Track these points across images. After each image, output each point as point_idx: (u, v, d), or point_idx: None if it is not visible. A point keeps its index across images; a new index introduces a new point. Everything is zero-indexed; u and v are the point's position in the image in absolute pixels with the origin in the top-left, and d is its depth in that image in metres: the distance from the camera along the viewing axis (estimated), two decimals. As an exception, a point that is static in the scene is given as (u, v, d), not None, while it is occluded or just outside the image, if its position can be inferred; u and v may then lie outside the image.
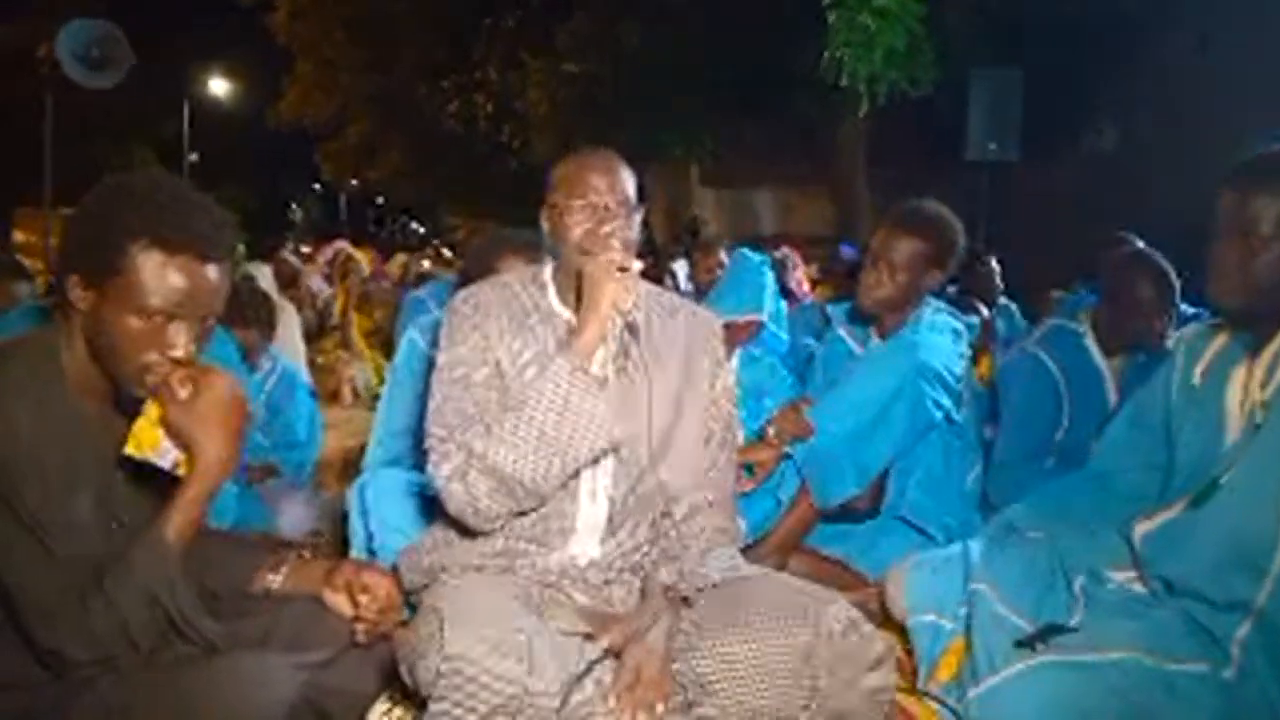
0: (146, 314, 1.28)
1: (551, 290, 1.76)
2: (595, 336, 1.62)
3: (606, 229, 1.65)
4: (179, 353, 1.31)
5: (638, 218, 1.72)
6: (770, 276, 3.09)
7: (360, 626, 1.50)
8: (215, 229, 1.33)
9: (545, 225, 1.74)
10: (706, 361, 1.78)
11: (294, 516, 2.85)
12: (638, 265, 1.64)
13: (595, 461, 1.64)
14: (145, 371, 1.31)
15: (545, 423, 1.56)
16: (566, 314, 1.73)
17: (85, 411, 1.36)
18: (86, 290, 1.29)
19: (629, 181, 1.72)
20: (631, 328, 1.68)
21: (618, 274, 1.59)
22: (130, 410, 1.38)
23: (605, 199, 1.67)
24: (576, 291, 1.67)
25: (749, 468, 2.39)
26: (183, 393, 1.32)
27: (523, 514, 1.64)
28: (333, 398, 5.60)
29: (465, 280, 2.70)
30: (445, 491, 1.62)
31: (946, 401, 2.47)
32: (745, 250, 3.34)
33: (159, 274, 1.27)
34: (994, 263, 4.62)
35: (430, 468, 1.65)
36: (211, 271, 1.32)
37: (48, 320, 2.00)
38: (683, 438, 1.71)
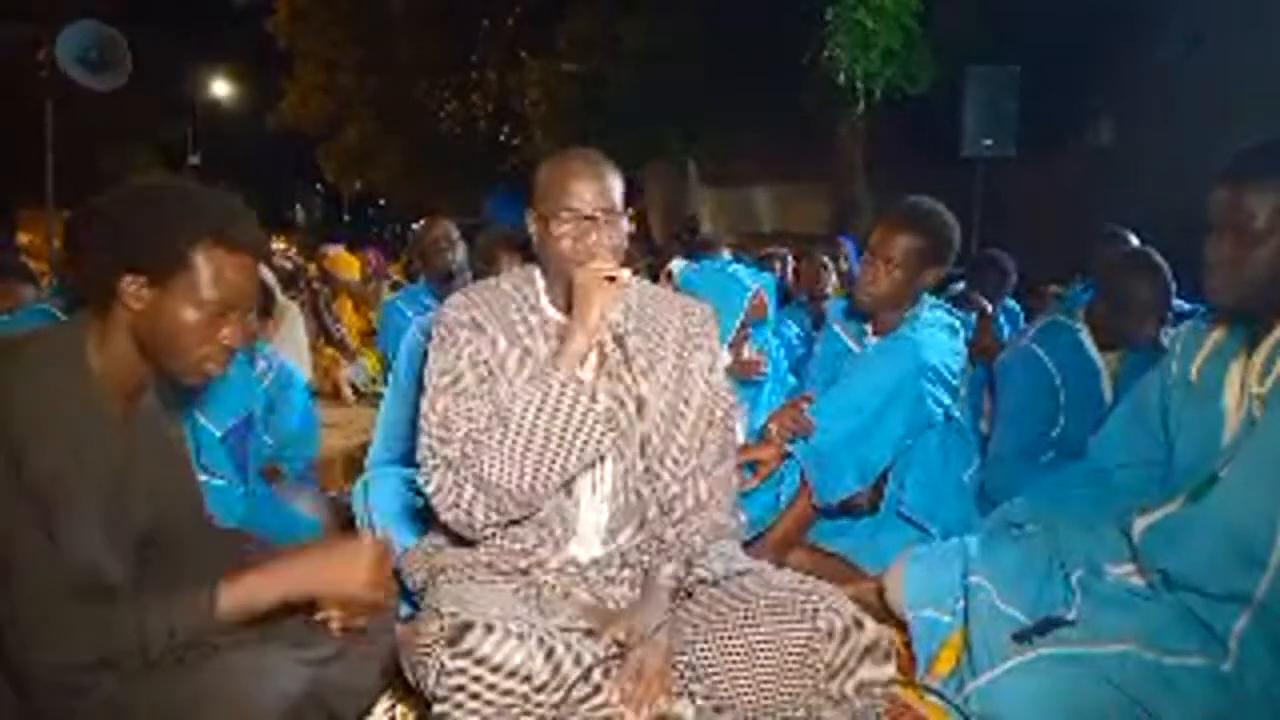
0: (205, 307, 1.37)
1: (543, 291, 1.74)
2: (584, 345, 1.61)
3: (593, 239, 1.63)
4: (232, 341, 1.41)
5: (624, 222, 1.69)
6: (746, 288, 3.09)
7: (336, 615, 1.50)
8: (259, 231, 1.46)
9: (531, 230, 1.70)
10: (701, 353, 1.75)
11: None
12: (626, 272, 1.63)
13: (592, 465, 1.64)
14: (204, 361, 1.41)
15: (534, 432, 1.55)
16: (557, 316, 1.71)
17: (104, 412, 1.38)
18: (147, 288, 1.35)
19: (615, 186, 1.67)
20: (619, 339, 1.67)
21: (606, 283, 1.59)
22: (152, 417, 1.43)
23: (590, 207, 1.62)
24: (566, 298, 1.66)
25: (750, 466, 2.40)
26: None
27: (517, 522, 1.64)
28: (334, 397, 5.62)
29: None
30: (436, 504, 1.62)
31: (946, 399, 2.47)
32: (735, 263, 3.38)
33: (221, 271, 1.38)
34: (1011, 266, 4.38)
35: (419, 479, 1.64)
36: (258, 268, 1.47)
37: (53, 322, 2.02)
38: (680, 433, 1.71)
